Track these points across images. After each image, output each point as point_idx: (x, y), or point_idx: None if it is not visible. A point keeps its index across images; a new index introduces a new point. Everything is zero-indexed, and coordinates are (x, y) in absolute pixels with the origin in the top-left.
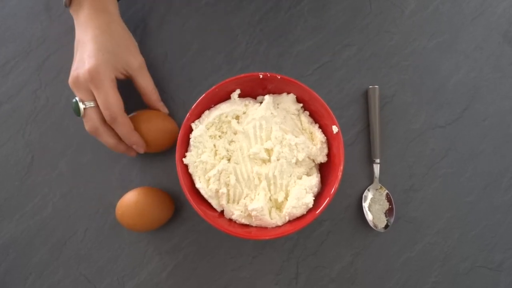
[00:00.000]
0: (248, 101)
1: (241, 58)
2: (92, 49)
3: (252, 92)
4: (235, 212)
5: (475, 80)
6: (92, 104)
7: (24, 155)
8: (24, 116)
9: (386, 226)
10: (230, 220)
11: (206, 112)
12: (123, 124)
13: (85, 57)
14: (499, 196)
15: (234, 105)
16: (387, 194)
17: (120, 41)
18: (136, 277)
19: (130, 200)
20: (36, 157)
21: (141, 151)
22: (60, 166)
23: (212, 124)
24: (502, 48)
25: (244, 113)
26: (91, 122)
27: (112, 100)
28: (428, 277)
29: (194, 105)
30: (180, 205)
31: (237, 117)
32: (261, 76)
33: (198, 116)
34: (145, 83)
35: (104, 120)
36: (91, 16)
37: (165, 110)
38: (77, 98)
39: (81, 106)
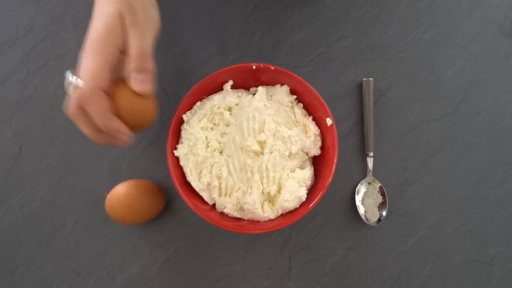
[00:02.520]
0: (241, 93)
1: (234, 48)
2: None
3: (245, 83)
4: (227, 206)
5: (470, 73)
6: (81, 83)
7: (11, 146)
8: (11, 106)
9: (379, 220)
10: (222, 213)
11: (198, 103)
12: (95, 103)
13: (97, 22)
14: (493, 190)
15: (227, 97)
16: (380, 187)
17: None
18: (127, 271)
19: (120, 193)
20: (24, 148)
21: (125, 139)
22: (48, 157)
23: (204, 116)
24: (498, 41)
25: (237, 104)
26: (72, 105)
27: (90, 71)
28: (421, 271)
29: (186, 96)
30: (171, 198)
31: (229, 109)
32: (254, 67)
33: (189, 107)
34: (139, 41)
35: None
36: None
37: (141, 88)
38: (71, 71)
39: (68, 79)
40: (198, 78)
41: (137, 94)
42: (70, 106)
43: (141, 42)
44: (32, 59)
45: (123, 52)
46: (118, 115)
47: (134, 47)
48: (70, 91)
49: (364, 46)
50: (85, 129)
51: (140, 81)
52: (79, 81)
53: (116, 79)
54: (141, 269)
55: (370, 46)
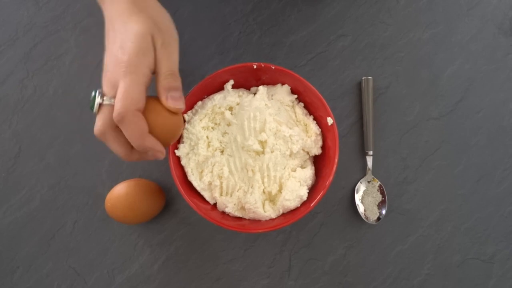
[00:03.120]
0: (242, 92)
1: (233, 47)
2: (136, 32)
3: (246, 82)
4: (228, 205)
5: (469, 72)
6: (112, 101)
7: (11, 146)
8: (11, 106)
9: (378, 219)
10: (223, 213)
11: (199, 103)
12: (133, 125)
13: (126, 41)
14: (492, 189)
15: (228, 96)
16: (379, 186)
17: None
18: (127, 270)
19: (120, 192)
20: (23, 148)
21: (159, 156)
22: (48, 157)
23: (205, 115)
24: (497, 40)
25: (238, 104)
26: (100, 122)
27: (129, 94)
28: (421, 270)
29: (187, 95)
30: (172, 197)
31: (230, 108)
32: (255, 67)
33: (190, 107)
34: (169, 61)
35: (116, 126)
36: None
37: (176, 106)
38: (98, 90)
39: (98, 100)
40: (199, 78)
41: (169, 111)
42: (100, 125)
43: (171, 62)
44: (31, 59)
45: (153, 72)
46: (151, 132)
47: (165, 67)
48: (97, 110)
49: (364, 45)
50: (117, 148)
51: (174, 99)
52: (113, 101)
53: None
54: (141, 268)
55: (370, 45)
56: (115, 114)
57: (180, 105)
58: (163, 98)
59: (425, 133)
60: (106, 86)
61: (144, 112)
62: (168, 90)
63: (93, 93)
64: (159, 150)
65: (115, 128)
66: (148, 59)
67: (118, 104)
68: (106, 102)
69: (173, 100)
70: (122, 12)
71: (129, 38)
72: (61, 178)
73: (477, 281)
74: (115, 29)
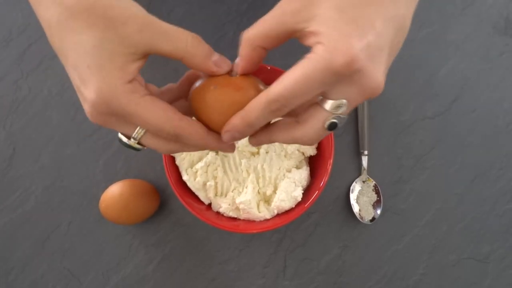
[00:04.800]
0: None
1: (228, 48)
2: (75, 57)
3: None
4: (223, 205)
5: (464, 71)
6: (141, 131)
7: (5, 147)
8: (5, 107)
9: (373, 219)
10: (218, 213)
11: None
12: (191, 134)
13: (76, 79)
14: (487, 188)
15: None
16: (374, 185)
17: (101, 11)
18: (122, 271)
19: (114, 193)
20: (18, 149)
21: (231, 151)
22: (43, 158)
23: None
24: (492, 39)
25: None
26: (159, 148)
27: (154, 117)
28: (416, 269)
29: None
30: (167, 197)
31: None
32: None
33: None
34: (176, 42)
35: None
36: (36, 2)
37: (223, 67)
38: (120, 135)
39: (132, 142)
40: None
41: (232, 83)
42: (167, 149)
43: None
44: (26, 60)
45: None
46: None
47: (175, 49)
48: (141, 147)
49: None
50: (194, 148)
51: (219, 63)
52: (141, 131)
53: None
54: (136, 269)
55: None
56: (169, 138)
57: (227, 63)
58: (210, 69)
59: (420, 133)
60: (118, 129)
61: (202, 101)
62: (212, 57)
63: (119, 139)
64: (230, 147)
65: (176, 138)
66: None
67: (163, 134)
68: (138, 136)
69: (218, 64)
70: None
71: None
72: (56, 179)
73: (472, 280)
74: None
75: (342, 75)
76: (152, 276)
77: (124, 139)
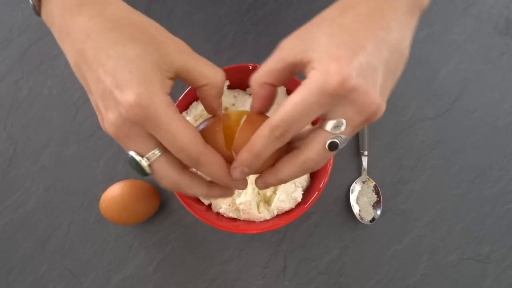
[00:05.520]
0: (237, 93)
1: (228, 48)
2: (114, 63)
3: (241, 83)
4: (223, 206)
5: (465, 72)
6: (157, 153)
7: (6, 147)
8: (6, 107)
9: (373, 219)
10: (218, 213)
11: (194, 103)
12: (211, 164)
13: (109, 84)
14: (487, 189)
15: (223, 97)
16: (374, 186)
17: (143, 27)
18: (122, 271)
19: (115, 193)
20: (18, 150)
21: (243, 188)
22: (43, 158)
23: (200, 116)
24: (492, 39)
25: (233, 105)
26: (167, 178)
27: (183, 135)
28: (416, 270)
29: (182, 96)
30: (166, 198)
31: (226, 109)
32: (250, 68)
33: (185, 107)
34: (205, 69)
35: (183, 166)
36: (75, 11)
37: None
38: (131, 153)
39: (144, 163)
40: None
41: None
42: (171, 181)
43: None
44: (26, 60)
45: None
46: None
47: (204, 77)
48: (151, 171)
49: None
50: (199, 191)
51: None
52: (158, 153)
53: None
54: (136, 269)
55: None
56: (187, 161)
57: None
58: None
59: (421, 133)
60: (134, 145)
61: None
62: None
63: (130, 157)
64: (243, 183)
65: (185, 170)
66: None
67: (182, 154)
68: (153, 158)
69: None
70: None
71: (108, 66)
72: (56, 179)
73: (472, 281)
74: (75, 48)
75: (338, 95)
76: (152, 276)
77: (137, 157)
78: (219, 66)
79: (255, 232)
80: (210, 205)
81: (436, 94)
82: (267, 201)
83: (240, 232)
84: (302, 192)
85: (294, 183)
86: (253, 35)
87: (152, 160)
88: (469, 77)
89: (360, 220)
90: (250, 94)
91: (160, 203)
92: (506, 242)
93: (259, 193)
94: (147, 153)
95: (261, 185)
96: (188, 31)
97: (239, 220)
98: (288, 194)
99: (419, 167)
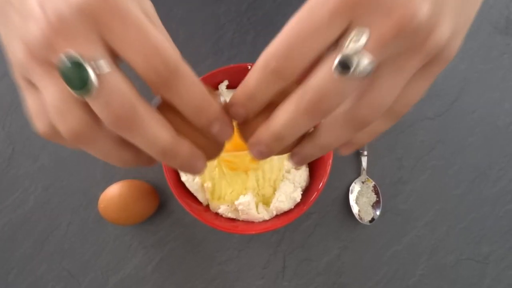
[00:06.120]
0: None
1: (228, 47)
2: None
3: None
4: (221, 206)
5: (465, 72)
6: (107, 64)
7: (4, 147)
8: (4, 107)
9: (373, 219)
10: (217, 214)
11: None
12: (193, 82)
13: None
14: (487, 189)
15: (222, 97)
16: (374, 186)
17: None
18: (121, 272)
19: (113, 193)
20: (17, 149)
21: (225, 137)
22: (42, 158)
23: None
24: (492, 39)
25: None
26: (119, 96)
27: (156, 34)
28: (415, 270)
29: None
30: (166, 198)
31: None
32: (249, 67)
33: None
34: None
35: (141, 99)
36: None
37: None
38: (72, 53)
39: (91, 70)
40: None
41: None
42: (125, 107)
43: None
44: None
45: None
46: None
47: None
48: (100, 84)
49: None
50: (162, 134)
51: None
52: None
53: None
54: (135, 270)
55: None
56: (162, 69)
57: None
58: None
59: (420, 133)
60: (79, 45)
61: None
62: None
63: (68, 63)
64: (228, 131)
65: (145, 103)
66: None
67: (156, 59)
68: (104, 69)
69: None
70: None
71: None
72: (55, 179)
73: (471, 281)
74: None
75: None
76: (151, 276)
77: (83, 60)
78: (218, 65)
79: (254, 232)
80: (208, 205)
81: (436, 94)
82: (266, 202)
83: (239, 232)
84: (301, 193)
85: (293, 183)
86: (252, 35)
87: (102, 69)
88: (469, 77)
89: (359, 220)
90: None
91: (159, 203)
92: (505, 243)
93: (258, 194)
94: (96, 59)
95: (297, 158)
96: (187, 31)
97: (238, 220)
98: (287, 195)
99: (419, 167)
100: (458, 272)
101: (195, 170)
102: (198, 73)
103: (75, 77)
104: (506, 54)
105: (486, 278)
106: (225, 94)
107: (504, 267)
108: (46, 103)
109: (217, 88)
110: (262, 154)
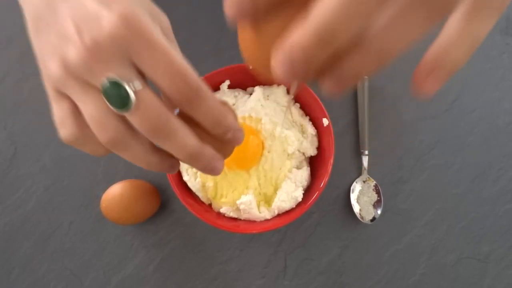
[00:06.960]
0: (238, 92)
1: (229, 48)
2: None
3: (242, 83)
4: (223, 206)
5: (464, 71)
6: (139, 84)
7: (7, 147)
8: (6, 107)
9: (374, 218)
10: (218, 213)
11: None
12: (211, 98)
13: (90, 2)
14: (487, 188)
15: (224, 96)
16: (375, 185)
17: None
18: (122, 271)
19: (115, 193)
20: (19, 150)
21: (239, 141)
22: (44, 158)
23: None
24: (492, 38)
25: (234, 104)
26: (153, 109)
27: (180, 59)
28: (416, 269)
29: None
30: (167, 198)
31: None
32: (251, 67)
33: None
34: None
35: (171, 109)
36: None
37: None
38: (113, 76)
39: (130, 89)
40: None
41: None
42: (158, 119)
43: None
44: (27, 60)
45: None
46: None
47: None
48: (137, 101)
49: None
50: (189, 141)
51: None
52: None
53: None
54: (136, 269)
55: None
56: (184, 93)
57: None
58: None
59: (421, 133)
60: (116, 68)
61: None
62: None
63: (108, 83)
64: (240, 136)
65: (173, 114)
66: None
67: (179, 82)
68: (138, 87)
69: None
70: None
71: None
72: (57, 179)
73: (472, 280)
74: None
75: None
76: (152, 276)
77: (122, 81)
78: (219, 66)
79: (255, 231)
80: (210, 205)
81: (436, 94)
82: (268, 201)
83: (240, 231)
84: (303, 192)
85: (295, 182)
86: None
87: (137, 87)
88: (469, 77)
89: (360, 219)
90: (250, 94)
91: (160, 203)
92: (505, 242)
93: (259, 193)
94: (132, 81)
95: (334, 84)
96: (188, 31)
97: (240, 219)
98: (288, 194)
99: (419, 167)
100: (458, 271)
101: (215, 171)
102: (200, 73)
103: (117, 97)
104: (505, 53)
105: (487, 277)
106: (226, 94)
107: (504, 266)
108: (85, 116)
109: (218, 88)
110: (294, 69)
